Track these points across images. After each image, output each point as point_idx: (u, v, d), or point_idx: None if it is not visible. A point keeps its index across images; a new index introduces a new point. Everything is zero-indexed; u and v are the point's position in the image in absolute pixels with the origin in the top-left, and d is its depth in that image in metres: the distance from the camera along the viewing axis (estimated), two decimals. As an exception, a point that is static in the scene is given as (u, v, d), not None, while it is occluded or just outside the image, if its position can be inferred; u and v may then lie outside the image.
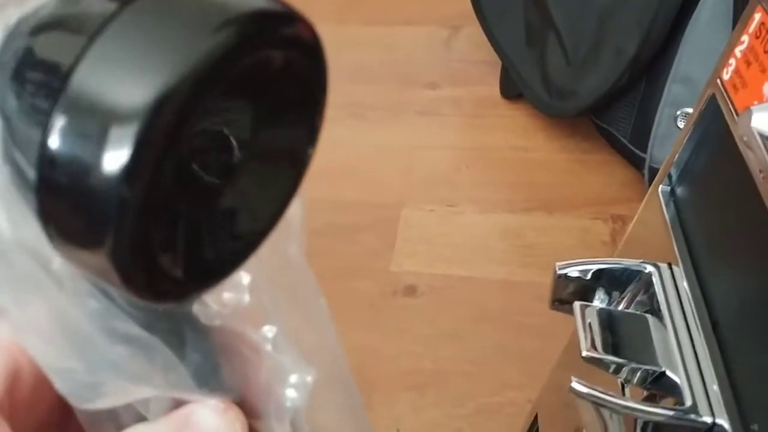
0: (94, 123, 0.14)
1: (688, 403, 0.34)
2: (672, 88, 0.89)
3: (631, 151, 0.96)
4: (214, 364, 0.21)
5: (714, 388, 0.35)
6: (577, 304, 0.39)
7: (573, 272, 0.42)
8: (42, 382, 0.20)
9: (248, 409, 0.22)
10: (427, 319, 0.85)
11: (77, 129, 0.14)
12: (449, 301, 0.86)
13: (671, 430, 0.36)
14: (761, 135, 0.33)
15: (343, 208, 0.94)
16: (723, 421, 0.33)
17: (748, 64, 0.38)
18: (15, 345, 0.20)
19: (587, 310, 0.40)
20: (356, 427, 0.27)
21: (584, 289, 0.44)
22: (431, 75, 1.16)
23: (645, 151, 0.93)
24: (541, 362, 0.59)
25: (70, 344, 0.18)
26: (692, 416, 0.34)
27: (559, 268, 0.41)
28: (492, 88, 1.13)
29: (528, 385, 0.75)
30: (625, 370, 0.38)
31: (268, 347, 0.22)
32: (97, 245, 0.15)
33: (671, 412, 0.34)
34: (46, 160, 0.15)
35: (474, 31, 1.15)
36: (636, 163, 0.96)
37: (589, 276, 0.44)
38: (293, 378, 0.22)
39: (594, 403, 0.36)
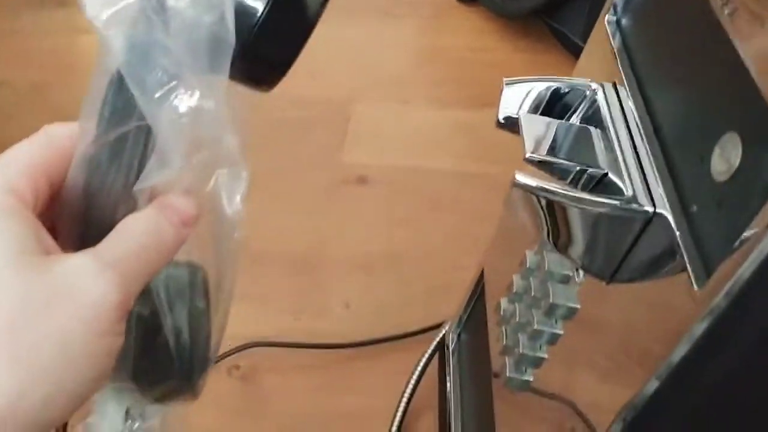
0: None
1: (629, 193, 0.35)
2: (624, -16, 0.88)
3: (583, 50, 0.96)
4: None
5: (658, 189, 0.35)
6: (523, 114, 0.40)
7: (521, 91, 0.42)
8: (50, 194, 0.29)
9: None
10: (379, 207, 0.84)
11: None
12: (402, 190, 0.86)
13: (616, 226, 0.37)
14: None
15: (295, 103, 0.92)
16: (663, 210, 0.34)
17: None
18: (36, 168, 0.28)
19: (532, 119, 0.40)
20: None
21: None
22: (389, -21, 1.14)
23: (597, 48, 0.93)
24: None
25: None
26: (634, 206, 0.34)
27: (507, 83, 0.41)
28: (449, -7, 1.12)
29: (478, 267, 0.75)
30: (570, 177, 0.38)
31: (225, 147, 0.30)
32: None
33: (615, 201, 0.35)
34: None
35: (431, -63, 1.13)
36: (588, 62, 0.96)
37: (539, 108, 0.45)
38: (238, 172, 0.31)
39: (540, 196, 0.36)
